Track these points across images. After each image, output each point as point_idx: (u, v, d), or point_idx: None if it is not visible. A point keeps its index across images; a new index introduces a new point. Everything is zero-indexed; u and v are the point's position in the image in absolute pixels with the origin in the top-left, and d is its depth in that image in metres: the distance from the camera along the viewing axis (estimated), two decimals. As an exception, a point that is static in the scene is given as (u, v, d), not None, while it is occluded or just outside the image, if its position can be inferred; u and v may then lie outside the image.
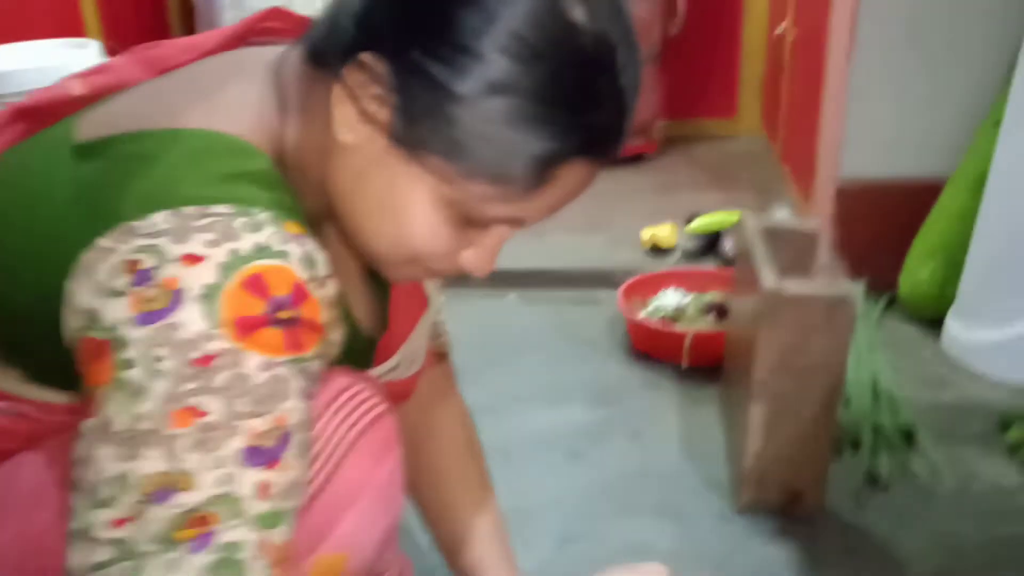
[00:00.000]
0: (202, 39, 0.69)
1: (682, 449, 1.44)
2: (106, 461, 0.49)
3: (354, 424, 0.68)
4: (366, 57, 0.56)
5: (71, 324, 0.54)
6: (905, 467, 1.36)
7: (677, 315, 1.69)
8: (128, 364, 0.50)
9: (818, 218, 1.84)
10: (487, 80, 0.53)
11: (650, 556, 1.20)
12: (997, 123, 1.67)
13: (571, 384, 1.64)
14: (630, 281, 1.80)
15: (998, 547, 1.19)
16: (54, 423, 0.65)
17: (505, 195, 0.57)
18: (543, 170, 0.56)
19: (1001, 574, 1.15)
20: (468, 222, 0.59)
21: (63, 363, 0.58)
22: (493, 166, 0.55)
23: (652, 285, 1.81)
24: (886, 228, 1.85)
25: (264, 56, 0.64)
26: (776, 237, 1.37)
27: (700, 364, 1.60)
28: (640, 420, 1.52)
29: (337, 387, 0.67)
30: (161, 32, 2.74)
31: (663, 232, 2.05)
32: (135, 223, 0.52)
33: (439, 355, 0.93)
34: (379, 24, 0.56)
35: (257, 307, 0.50)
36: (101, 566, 0.48)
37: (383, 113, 0.56)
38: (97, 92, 0.65)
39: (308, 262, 0.54)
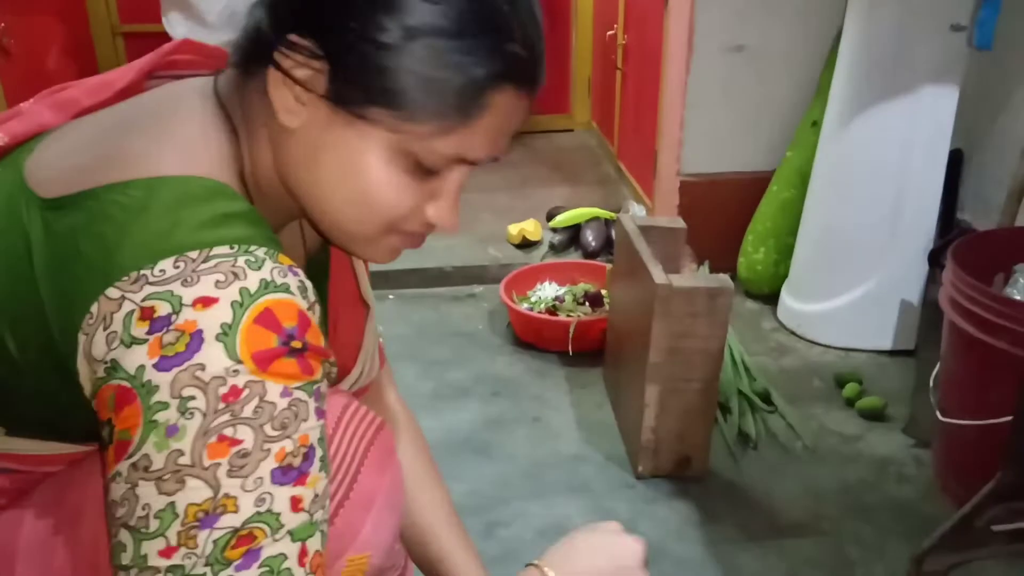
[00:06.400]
0: (112, 77, 0.71)
1: (579, 429, 1.59)
2: (151, 497, 0.53)
3: (362, 438, 0.75)
4: (291, 37, 0.60)
5: (87, 374, 0.57)
6: (767, 426, 1.58)
7: (556, 305, 1.83)
8: (161, 407, 0.53)
9: (673, 215, 2.05)
10: (407, 26, 0.59)
11: (569, 530, 1.34)
12: (813, 123, 1.94)
13: (465, 380, 1.74)
14: (509, 276, 1.92)
15: (851, 488, 1.43)
16: (38, 476, 0.67)
17: (448, 129, 0.62)
18: (476, 97, 0.61)
19: (856, 511, 1.38)
20: (423, 171, 0.64)
21: (49, 414, 0.61)
22: (430, 103, 0.61)
23: (528, 279, 1.95)
24: (723, 217, 2.09)
25: (195, 87, 0.68)
26: (647, 233, 1.54)
27: (582, 349, 1.75)
28: (536, 407, 1.65)
29: (339, 405, 0.73)
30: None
31: (529, 227, 2.19)
32: (144, 271, 0.55)
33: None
34: (294, 3, 0.61)
35: (271, 340, 0.55)
36: None
37: (319, 83, 0.61)
38: (17, 140, 0.66)
39: (303, 290, 0.59)
